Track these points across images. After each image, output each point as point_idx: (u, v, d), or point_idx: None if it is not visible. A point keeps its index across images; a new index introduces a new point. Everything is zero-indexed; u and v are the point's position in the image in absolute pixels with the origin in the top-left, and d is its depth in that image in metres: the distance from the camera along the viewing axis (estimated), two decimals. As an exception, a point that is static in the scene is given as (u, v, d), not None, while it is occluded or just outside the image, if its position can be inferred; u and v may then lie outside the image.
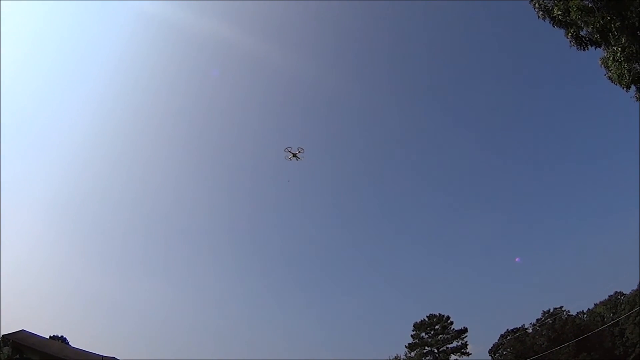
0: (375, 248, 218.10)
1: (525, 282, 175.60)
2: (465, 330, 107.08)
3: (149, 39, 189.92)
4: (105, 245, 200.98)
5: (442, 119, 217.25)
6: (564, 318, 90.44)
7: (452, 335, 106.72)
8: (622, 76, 20.96)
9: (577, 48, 22.96)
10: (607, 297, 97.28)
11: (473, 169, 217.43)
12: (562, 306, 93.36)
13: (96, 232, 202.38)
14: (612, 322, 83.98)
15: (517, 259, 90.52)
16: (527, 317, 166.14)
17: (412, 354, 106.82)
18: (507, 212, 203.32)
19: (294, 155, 38.34)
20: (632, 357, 79.94)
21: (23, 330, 46.78)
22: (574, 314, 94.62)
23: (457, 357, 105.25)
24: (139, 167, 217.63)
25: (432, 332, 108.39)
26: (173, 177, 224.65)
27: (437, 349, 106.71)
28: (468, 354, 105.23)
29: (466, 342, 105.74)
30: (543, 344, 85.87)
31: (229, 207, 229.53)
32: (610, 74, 21.65)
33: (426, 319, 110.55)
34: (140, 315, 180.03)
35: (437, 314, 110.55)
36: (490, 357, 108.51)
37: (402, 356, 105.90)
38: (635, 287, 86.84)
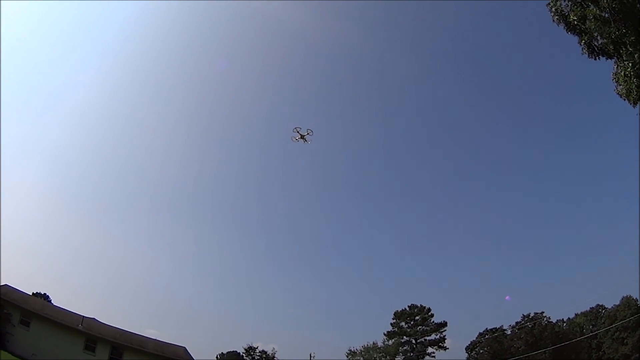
0: (363, 236, 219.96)
1: (508, 285, 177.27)
2: (444, 324, 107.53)
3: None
4: (96, 207, 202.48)
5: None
6: (543, 324, 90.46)
7: (431, 328, 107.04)
8: (630, 91, 20.66)
9: (589, 56, 22.72)
10: (588, 309, 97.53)
11: (468, 164, 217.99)
12: (543, 312, 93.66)
13: (85, 190, 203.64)
14: (591, 334, 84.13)
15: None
16: (507, 318, 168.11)
17: (390, 342, 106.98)
18: (497, 211, 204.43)
19: (302, 136, 37.25)
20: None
21: (6, 285, 46.36)
22: (554, 321, 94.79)
23: (434, 350, 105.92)
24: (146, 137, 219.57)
25: (412, 323, 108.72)
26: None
27: (415, 339, 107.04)
28: (445, 348, 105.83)
29: (444, 336, 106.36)
30: (520, 347, 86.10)
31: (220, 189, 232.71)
32: (619, 89, 21.40)
33: (407, 309, 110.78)
34: (124, 277, 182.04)
35: (419, 305, 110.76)
36: (466, 354, 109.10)
37: (380, 343, 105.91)
38: (617, 302, 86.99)
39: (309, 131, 36.97)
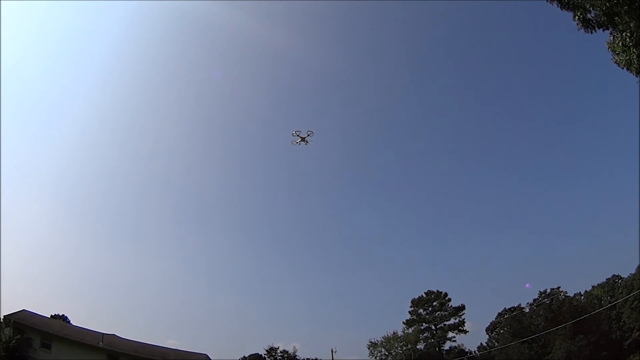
0: (372, 224, 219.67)
1: (523, 260, 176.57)
2: (462, 307, 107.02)
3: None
4: (104, 224, 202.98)
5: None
6: (561, 299, 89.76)
7: (449, 312, 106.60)
8: (632, 62, 20.14)
9: (585, 31, 22.08)
10: (604, 280, 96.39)
11: (480, 139, 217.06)
12: (560, 287, 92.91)
13: (94, 211, 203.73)
14: (610, 305, 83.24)
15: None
16: (524, 297, 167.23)
17: (410, 330, 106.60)
18: (507, 189, 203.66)
19: (303, 139, 35.87)
20: (628, 342, 79.36)
21: (24, 310, 46.40)
22: (571, 295, 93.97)
23: (455, 334, 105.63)
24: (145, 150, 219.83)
25: (429, 309, 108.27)
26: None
27: (435, 325, 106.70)
28: (465, 332, 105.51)
29: (464, 319, 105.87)
30: (540, 324, 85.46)
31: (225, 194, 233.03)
32: (617, 58, 20.83)
33: (424, 296, 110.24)
34: (139, 290, 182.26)
35: (435, 291, 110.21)
36: (487, 336, 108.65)
37: (400, 332, 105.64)
38: (633, 272, 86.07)
39: (309, 132, 35.82)
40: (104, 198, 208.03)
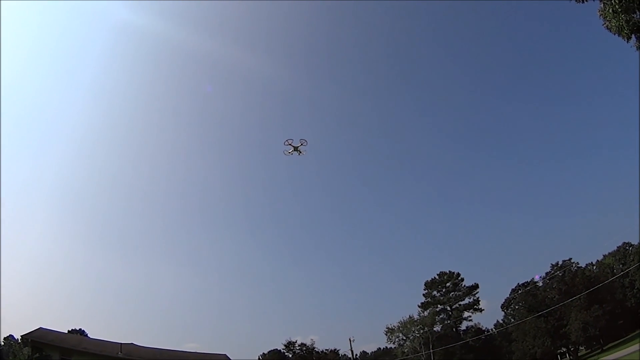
0: (379, 212, 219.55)
1: (532, 236, 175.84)
2: (476, 286, 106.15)
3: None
4: (110, 236, 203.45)
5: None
6: (573, 270, 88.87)
7: (463, 292, 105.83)
8: (622, 28, 20.59)
9: (577, 1, 21.98)
10: (615, 248, 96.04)
11: (478, 119, 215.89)
12: (571, 258, 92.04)
13: (100, 223, 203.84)
14: (622, 273, 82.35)
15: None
16: (536, 270, 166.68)
17: (426, 313, 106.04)
18: (513, 164, 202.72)
19: (296, 148, 33.62)
20: (644, 308, 78.84)
21: (40, 328, 46.29)
22: (583, 266, 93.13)
23: (470, 314, 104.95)
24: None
25: (443, 290, 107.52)
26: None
27: (450, 306, 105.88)
28: (481, 310, 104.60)
29: (478, 298, 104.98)
30: (554, 297, 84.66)
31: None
32: (608, 24, 21.24)
33: (437, 277, 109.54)
34: (154, 298, 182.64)
35: (447, 272, 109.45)
36: (503, 313, 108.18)
37: (416, 316, 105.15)
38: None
39: (302, 142, 33.66)
40: (108, 208, 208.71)
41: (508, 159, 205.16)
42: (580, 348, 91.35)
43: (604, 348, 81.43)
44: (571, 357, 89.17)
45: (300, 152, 33.85)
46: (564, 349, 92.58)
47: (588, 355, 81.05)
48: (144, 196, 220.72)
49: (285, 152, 33.96)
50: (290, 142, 33.46)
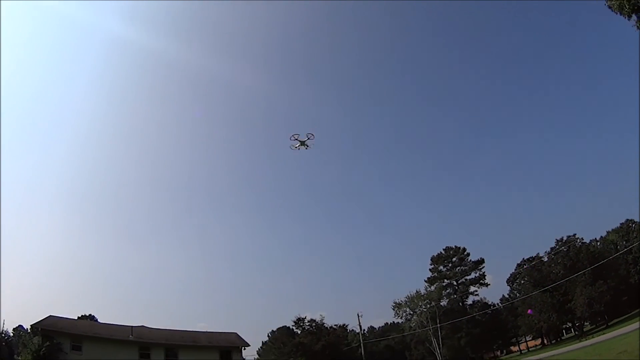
0: (385, 188, 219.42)
1: (536, 211, 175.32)
2: (482, 261, 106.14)
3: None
4: (118, 221, 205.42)
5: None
6: (578, 246, 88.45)
7: (469, 267, 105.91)
8: (623, 6, 21.18)
9: None
10: (618, 225, 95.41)
11: (480, 95, 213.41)
12: (575, 234, 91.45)
13: (107, 210, 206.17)
14: (625, 249, 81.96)
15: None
16: (542, 245, 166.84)
17: (432, 287, 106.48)
18: (516, 141, 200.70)
19: (302, 143, 32.99)
20: (647, 285, 78.54)
21: (50, 315, 46.70)
22: (587, 242, 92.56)
23: (476, 288, 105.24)
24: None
25: (449, 265, 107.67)
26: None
27: (456, 281, 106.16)
28: (487, 285, 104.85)
29: (484, 272, 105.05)
30: (559, 272, 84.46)
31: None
32: (610, 2, 21.86)
33: (443, 252, 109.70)
34: (165, 281, 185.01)
35: (454, 246, 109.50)
36: (508, 287, 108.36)
37: (423, 291, 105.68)
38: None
39: (309, 135, 32.97)
40: (117, 196, 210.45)
41: (512, 137, 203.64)
42: (585, 324, 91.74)
43: (609, 324, 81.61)
44: (576, 332, 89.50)
45: (307, 146, 33.22)
46: (569, 324, 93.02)
47: (593, 331, 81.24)
48: (150, 181, 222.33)
49: (291, 146, 33.34)
50: (296, 136, 32.88)
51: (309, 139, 33.07)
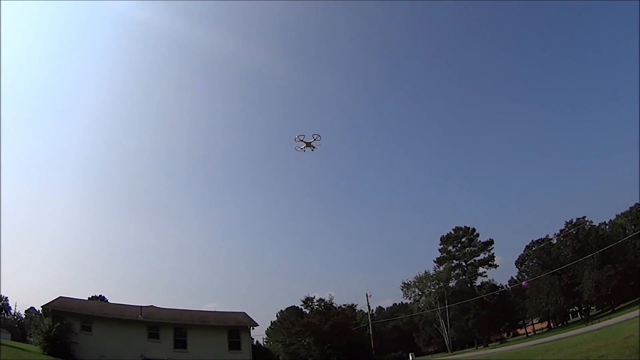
0: (394, 167, 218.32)
1: (546, 193, 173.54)
2: (491, 242, 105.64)
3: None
4: (127, 202, 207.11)
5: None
6: (587, 228, 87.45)
7: (478, 248, 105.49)
8: None
9: None
10: (627, 209, 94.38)
11: (491, 79, 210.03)
12: (585, 216, 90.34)
13: (117, 191, 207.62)
14: (634, 234, 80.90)
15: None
16: (550, 227, 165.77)
17: (441, 268, 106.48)
18: (528, 121, 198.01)
19: (308, 144, 31.52)
20: (654, 271, 77.49)
21: (60, 297, 47.28)
22: (596, 225, 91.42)
23: (485, 270, 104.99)
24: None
25: (459, 245, 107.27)
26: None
27: (465, 261, 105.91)
28: (495, 266, 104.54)
29: (493, 253, 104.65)
30: (568, 254, 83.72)
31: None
32: None
33: (452, 232, 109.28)
34: (176, 261, 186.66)
35: (463, 227, 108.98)
36: (517, 269, 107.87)
37: (432, 271, 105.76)
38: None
39: (315, 136, 31.46)
40: (124, 175, 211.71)
41: (523, 115, 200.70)
42: (592, 308, 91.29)
43: (615, 309, 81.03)
44: (583, 316, 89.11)
45: (313, 147, 31.82)
46: (576, 308, 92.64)
47: (599, 315, 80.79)
48: (160, 161, 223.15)
49: (296, 148, 31.92)
50: (302, 138, 31.55)
51: (315, 139, 31.80)
